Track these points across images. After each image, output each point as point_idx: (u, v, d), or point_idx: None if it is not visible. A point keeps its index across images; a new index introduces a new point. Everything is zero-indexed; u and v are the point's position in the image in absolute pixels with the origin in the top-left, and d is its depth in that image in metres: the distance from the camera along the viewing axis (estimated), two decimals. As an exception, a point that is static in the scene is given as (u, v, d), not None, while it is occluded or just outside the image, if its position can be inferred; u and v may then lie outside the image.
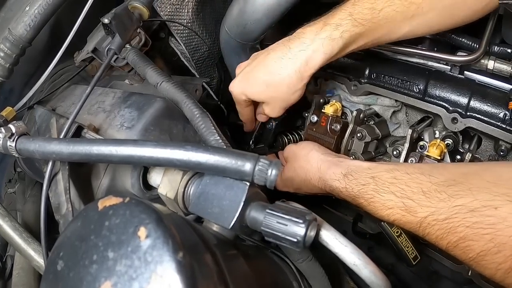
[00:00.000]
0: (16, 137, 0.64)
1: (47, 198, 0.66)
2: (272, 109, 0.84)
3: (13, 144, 0.64)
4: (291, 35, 0.78)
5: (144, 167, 0.70)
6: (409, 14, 0.71)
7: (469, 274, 0.86)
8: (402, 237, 0.82)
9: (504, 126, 0.78)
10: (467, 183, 0.56)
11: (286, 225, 0.49)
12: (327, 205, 1.25)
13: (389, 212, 0.64)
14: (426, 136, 0.89)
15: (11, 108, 0.81)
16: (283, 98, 0.80)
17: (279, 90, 0.78)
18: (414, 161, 0.85)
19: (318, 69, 0.76)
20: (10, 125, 0.67)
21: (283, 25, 1.24)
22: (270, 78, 0.77)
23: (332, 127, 0.97)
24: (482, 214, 0.51)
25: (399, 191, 0.63)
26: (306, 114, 1.13)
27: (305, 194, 0.90)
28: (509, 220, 0.49)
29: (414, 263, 0.84)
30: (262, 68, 0.78)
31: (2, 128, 0.67)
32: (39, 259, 0.74)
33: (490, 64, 0.82)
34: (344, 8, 0.73)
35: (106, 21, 0.79)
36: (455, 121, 0.82)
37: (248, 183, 0.51)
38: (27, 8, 0.86)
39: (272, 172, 0.49)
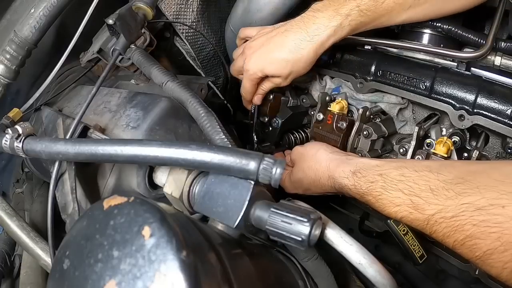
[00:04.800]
0: (23, 137, 0.64)
1: (54, 198, 0.66)
2: (284, 81, 0.96)
3: (20, 145, 0.64)
4: (305, 15, 0.89)
5: (150, 166, 0.71)
6: (406, 6, 0.82)
7: (476, 273, 0.85)
8: (408, 235, 0.82)
9: (511, 123, 0.77)
10: (475, 181, 0.56)
11: (291, 224, 0.49)
12: (333, 203, 1.24)
13: (397, 209, 0.64)
14: (432, 134, 0.88)
15: (17, 109, 0.82)
16: (297, 71, 0.93)
17: (297, 66, 0.91)
18: (421, 159, 0.85)
19: (328, 48, 0.90)
20: (17, 126, 0.68)
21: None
22: (291, 57, 0.89)
23: (338, 125, 0.97)
24: (489, 212, 0.51)
25: (407, 189, 0.63)
26: (312, 112, 1.12)
27: (314, 194, 0.90)
28: None
29: (420, 262, 0.84)
30: (282, 49, 0.90)
31: (9, 129, 0.67)
32: (46, 258, 0.75)
33: (497, 60, 0.81)
34: None
35: (110, 22, 0.80)
36: (462, 118, 0.82)
37: (252, 182, 0.51)
38: (32, 10, 0.87)
39: (276, 171, 0.49)
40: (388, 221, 0.80)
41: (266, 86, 1.01)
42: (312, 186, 0.86)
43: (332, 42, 0.87)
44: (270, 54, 0.92)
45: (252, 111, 1.10)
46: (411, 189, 0.62)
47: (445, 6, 0.83)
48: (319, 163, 0.84)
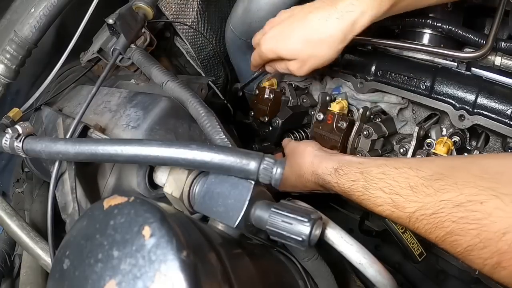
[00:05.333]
0: (23, 137, 0.64)
1: (54, 198, 0.66)
2: (301, 68, 0.83)
3: (20, 145, 0.64)
4: None
5: (150, 166, 0.71)
6: None
7: (477, 273, 0.85)
8: (407, 233, 0.82)
9: (511, 123, 0.77)
10: (453, 177, 0.55)
11: (291, 224, 0.49)
12: (334, 203, 1.24)
13: (380, 209, 0.64)
14: (433, 134, 0.88)
15: (17, 109, 0.82)
16: (319, 57, 0.79)
17: (318, 49, 0.78)
18: (421, 159, 0.85)
19: (361, 31, 0.76)
20: (17, 126, 0.68)
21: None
22: (311, 36, 0.77)
23: (339, 125, 0.96)
24: (468, 209, 0.51)
25: (387, 187, 0.62)
26: (312, 112, 1.12)
27: (302, 192, 0.89)
28: (494, 215, 0.48)
29: (420, 260, 0.84)
30: (303, 26, 0.77)
31: (9, 129, 0.67)
32: (46, 258, 0.75)
33: (497, 60, 0.81)
34: None
35: (110, 21, 0.80)
36: (462, 118, 0.82)
37: (253, 182, 0.51)
38: (32, 10, 0.87)
39: (277, 171, 0.49)
40: (386, 219, 0.81)
41: (280, 67, 0.90)
42: (298, 183, 0.86)
43: (367, 21, 0.74)
44: (287, 32, 0.80)
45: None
46: (391, 187, 0.62)
47: None
48: (304, 159, 0.84)
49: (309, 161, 0.82)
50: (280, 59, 0.87)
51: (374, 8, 0.72)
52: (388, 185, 0.62)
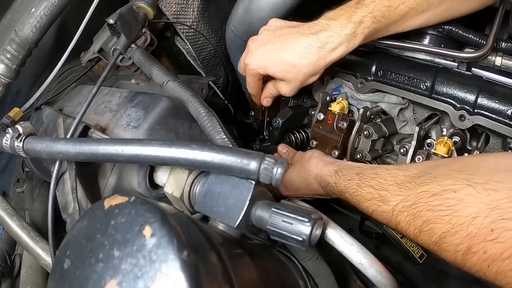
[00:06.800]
0: (24, 137, 0.65)
1: (55, 197, 0.66)
2: (290, 88, 0.92)
3: (21, 144, 0.64)
4: (317, 22, 0.86)
5: (151, 166, 0.70)
6: (420, 10, 0.79)
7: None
8: (406, 237, 0.82)
9: (512, 123, 0.77)
10: (434, 172, 0.59)
11: (292, 223, 0.49)
12: (334, 203, 1.24)
13: (368, 204, 0.67)
14: (433, 134, 0.88)
15: (18, 109, 0.82)
16: (303, 79, 0.89)
17: (303, 72, 0.87)
18: (421, 159, 0.85)
19: (335, 60, 0.86)
20: (18, 126, 0.68)
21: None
22: (298, 61, 0.85)
23: (339, 125, 0.97)
24: (443, 197, 0.53)
25: (377, 184, 0.66)
26: (313, 112, 1.12)
27: (304, 196, 0.91)
28: (466, 201, 0.50)
29: (421, 262, 0.84)
30: (290, 51, 0.86)
31: (9, 129, 0.67)
32: (46, 258, 0.75)
33: (498, 60, 0.81)
34: (365, 5, 0.80)
35: (111, 21, 0.80)
36: (462, 118, 0.82)
37: (253, 182, 0.51)
38: (33, 10, 0.87)
39: (277, 171, 0.49)
40: (384, 226, 0.81)
41: (272, 91, 0.98)
42: (302, 186, 0.89)
43: (343, 51, 0.84)
44: (275, 53, 0.87)
45: (263, 109, 1.11)
46: (380, 184, 0.66)
47: (460, 8, 0.81)
48: (310, 163, 0.90)
49: (314, 164, 0.88)
50: (269, 79, 0.96)
51: (349, 40, 0.82)
52: (378, 183, 0.66)
